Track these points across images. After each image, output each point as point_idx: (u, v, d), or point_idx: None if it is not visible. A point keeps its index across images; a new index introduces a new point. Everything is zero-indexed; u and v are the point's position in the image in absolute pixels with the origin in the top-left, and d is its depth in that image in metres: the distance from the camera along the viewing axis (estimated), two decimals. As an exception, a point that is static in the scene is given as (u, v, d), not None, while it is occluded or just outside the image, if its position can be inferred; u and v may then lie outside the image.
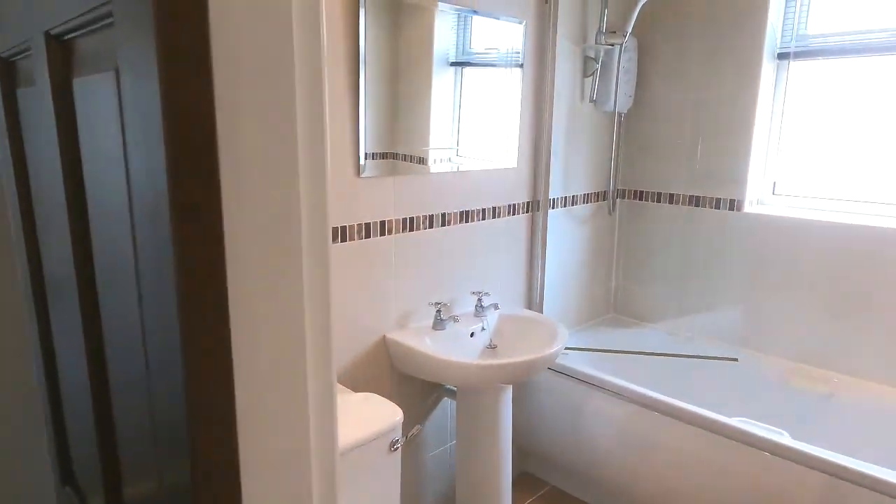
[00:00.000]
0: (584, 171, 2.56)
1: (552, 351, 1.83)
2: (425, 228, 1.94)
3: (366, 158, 1.71)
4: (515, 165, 2.21)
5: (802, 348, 2.33)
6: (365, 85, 1.66)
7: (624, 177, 2.77)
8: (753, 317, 2.45)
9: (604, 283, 2.85)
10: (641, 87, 2.62)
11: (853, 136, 2.28)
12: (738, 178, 2.42)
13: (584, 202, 2.60)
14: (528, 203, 2.30)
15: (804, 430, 1.96)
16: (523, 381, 2.33)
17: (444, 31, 1.92)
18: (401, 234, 1.87)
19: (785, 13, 2.34)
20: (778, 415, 2.23)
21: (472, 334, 2.00)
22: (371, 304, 1.83)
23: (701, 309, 2.60)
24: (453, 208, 2.01)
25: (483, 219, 2.13)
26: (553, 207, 2.43)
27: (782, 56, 2.37)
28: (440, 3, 1.87)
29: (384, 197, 1.79)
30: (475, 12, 1.93)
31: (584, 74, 2.44)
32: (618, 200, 2.79)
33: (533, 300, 2.41)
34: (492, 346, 2.04)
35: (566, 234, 2.55)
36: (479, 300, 2.06)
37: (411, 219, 1.89)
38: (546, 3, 2.16)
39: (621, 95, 2.50)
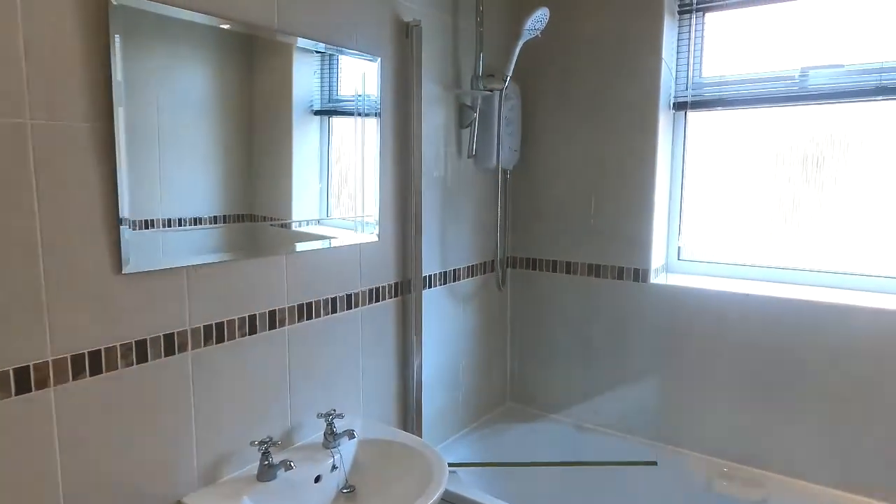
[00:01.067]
0: (467, 239, 2.13)
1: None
2: (243, 336, 1.37)
3: (127, 250, 1.14)
4: (377, 239, 1.71)
5: (728, 443, 1.97)
6: (124, 140, 1.10)
7: (514, 243, 2.36)
8: (671, 404, 2.08)
9: (498, 369, 2.40)
10: (528, 140, 2.26)
11: (762, 192, 2.03)
12: (640, 242, 2.08)
13: (468, 276, 2.15)
14: (395, 285, 1.81)
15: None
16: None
17: (305, 74, 1.49)
18: (203, 349, 1.29)
19: (678, 58, 2.08)
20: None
21: (317, 478, 1.44)
22: (159, 457, 1.23)
23: (610, 394, 2.21)
24: (286, 301, 1.47)
25: (333, 311, 1.60)
26: (429, 286, 1.96)
27: (679, 106, 2.10)
28: (299, 40, 1.42)
29: (171, 297, 1.22)
30: (334, 49, 1.46)
31: (461, 125, 2.03)
32: (508, 271, 2.37)
33: (408, 409, 1.88)
34: (348, 490, 1.49)
35: (448, 317, 2.08)
36: (330, 425, 1.51)
37: (219, 325, 1.32)
38: (406, 37, 1.73)
39: (505, 150, 2.12)
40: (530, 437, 2.23)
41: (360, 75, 1.61)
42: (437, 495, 1.32)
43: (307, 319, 1.53)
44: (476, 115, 2.01)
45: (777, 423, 1.88)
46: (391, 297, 1.80)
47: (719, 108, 2.04)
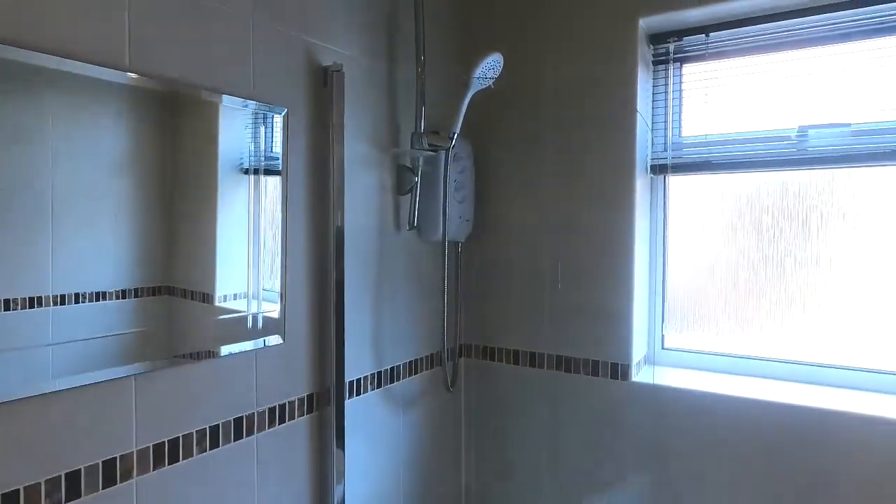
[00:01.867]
0: (408, 328, 1.73)
1: None
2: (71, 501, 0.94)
3: None
4: (280, 340, 1.31)
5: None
6: None
7: (469, 329, 1.98)
8: (661, 539, 1.67)
9: (451, 485, 1.96)
10: (483, 207, 1.91)
11: (754, 266, 1.70)
12: (618, 330, 1.72)
13: (410, 374, 1.75)
14: (309, 398, 1.39)
15: None
16: None
17: (234, 129, 1.18)
18: (-21, 536, 0.85)
19: (654, 114, 1.79)
20: None
21: None
22: None
23: (586, 516, 1.79)
24: (135, 443, 1.05)
25: (213, 446, 1.17)
26: (357, 393, 1.55)
27: (658, 169, 1.79)
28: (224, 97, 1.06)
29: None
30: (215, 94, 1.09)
31: (400, 191, 1.67)
32: (463, 361, 1.98)
33: (327, 559, 1.43)
34: None
35: (385, 429, 1.66)
36: None
37: (14, 494, 0.88)
38: (325, 85, 1.39)
39: (454, 219, 1.76)
40: (490, 574, 1.79)
41: (255, 129, 1.25)
42: None
43: (169, 464, 1.09)
44: (417, 178, 1.65)
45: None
46: (303, 415, 1.38)
47: (705, 171, 1.74)
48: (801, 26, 1.58)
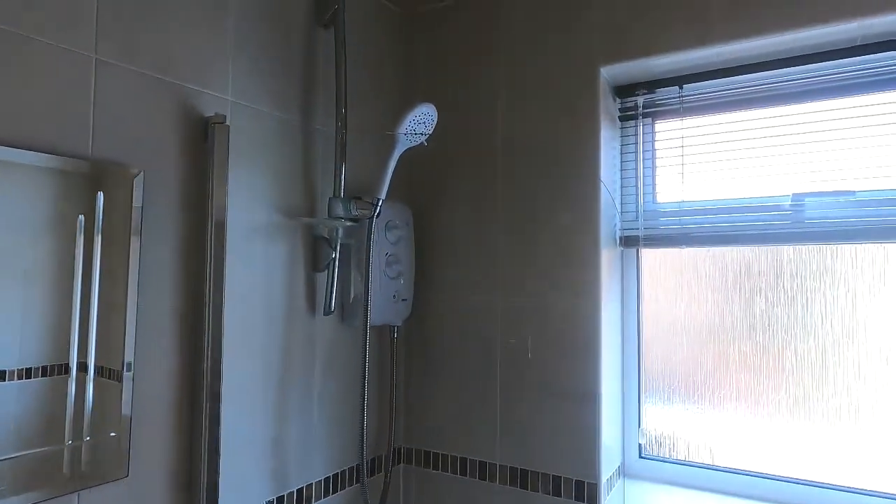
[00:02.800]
0: (324, 435, 1.40)
1: None
2: None
3: None
4: (129, 474, 0.97)
5: None
6: None
7: (407, 430, 1.65)
8: None
9: None
10: (425, 285, 1.62)
11: (744, 368, 1.40)
12: (584, 438, 1.40)
13: (326, 494, 1.40)
14: (166, 547, 1.05)
15: None
16: None
17: (78, 202, 0.86)
18: None
19: (623, 178, 1.53)
20: None
21: None
22: None
23: None
24: None
25: None
26: (247, 529, 1.20)
27: (629, 241, 1.51)
28: None
29: None
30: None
31: (315, 267, 1.37)
32: (400, 469, 1.63)
33: None
34: None
35: (288, 569, 1.30)
36: None
37: None
38: (205, 140, 1.11)
39: (386, 301, 1.46)
40: None
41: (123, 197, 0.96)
42: None
43: None
44: (336, 252, 1.36)
45: None
46: (155, 572, 1.03)
47: (683, 245, 1.46)
48: (793, 77, 1.34)
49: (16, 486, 0.84)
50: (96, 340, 0.93)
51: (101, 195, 0.94)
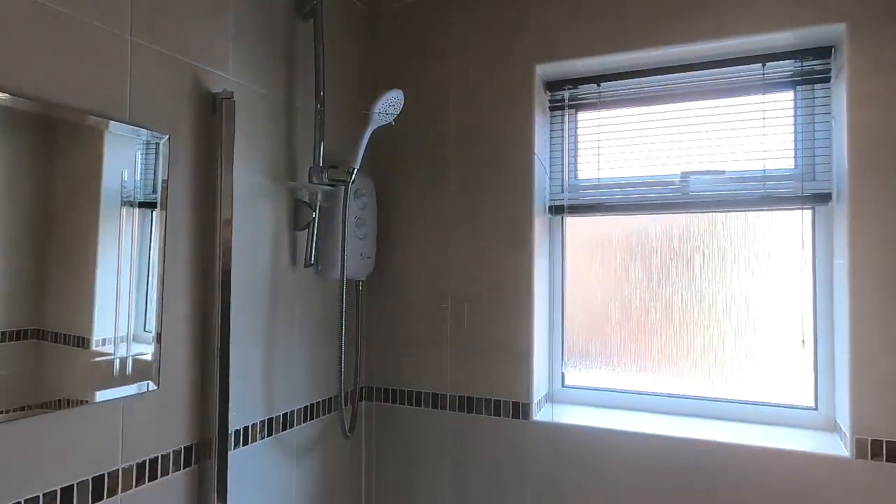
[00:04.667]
0: (303, 371, 1.64)
1: None
2: None
3: None
4: (155, 386, 1.19)
5: None
6: None
7: (369, 371, 1.91)
8: (562, 581, 1.65)
9: (349, 536, 1.85)
10: (386, 245, 1.88)
11: (644, 313, 1.77)
12: (519, 369, 1.72)
13: (304, 419, 1.65)
14: (188, 449, 1.27)
15: None
16: None
17: (122, 160, 1.09)
18: None
19: (552, 158, 1.85)
20: None
21: None
22: None
23: (489, 564, 1.74)
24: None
25: (65, 511, 1.03)
26: (246, 442, 1.43)
27: (556, 210, 1.84)
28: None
29: None
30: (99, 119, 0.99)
31: (297, 226, 1.60)
32: (363, 405, 1.89)
33: None
34: None
35: (275, 479, 1.54)
36: None
37: None
38: (214, 113, 1.32)
39: (355, 257, 1.71)
40: None
41: (134, 156, 1.15)
42: None
43: (7, 535, 0.94)
44: (315, 214, 1.60)
45: None
46: (179, 469, 1.25)
47: (598, 213, 1.80)
48: (684, 80, 1.71)
49: (98, 383, 1.04)
50: (136, 290, 1.13)
51: (138, 154, 1.14)
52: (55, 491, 1.01)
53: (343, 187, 1.61)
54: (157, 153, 1.18)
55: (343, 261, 1.59)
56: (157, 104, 1.20)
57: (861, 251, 1.39)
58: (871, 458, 1.37)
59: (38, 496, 0.99)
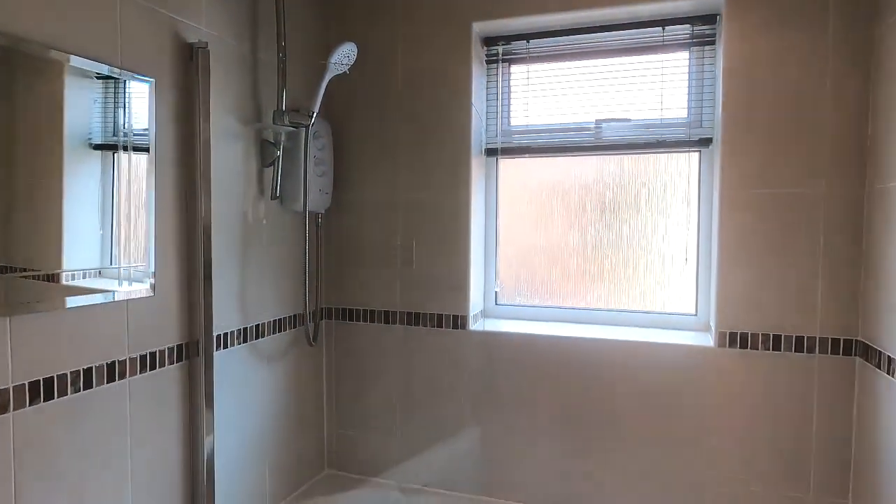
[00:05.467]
0: (273, 289, 1.90)
1: None
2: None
3: None
4: (151, 293, 1.42)
5: (548, 491, 1.94)
6: None
7: (329, 293, 2.18)
8: (492, 454, 2.01)
9: (314, 434, 2.16)
10: (342, 182, 2.12)
11: (564, 240, 2.10)
12: (458, 288, 2.03)
13: (274, 331, 1.91)
14: (179, 347, 1.52)
15: None
16: None
17: (82, 101, 1.24)
18: None
19: (488, 106, 2.11)
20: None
21: None
22: None
23: (434, 450, 2.08)
24: (10, 379, 1.13)
25: (86, 387, 1.27)
26: (226, 346, 1.69)
27: (490, 152, 2.12)
28: (72, 58, 1.19)
29: None
30: (117, 71, 1.18)
31: (263, 163, 1.83)
32: (323, 323, 2.17)
33: (198, 492, 1.57)
34: None
35: (251, 380, 1.81)
36: (77, 536, 1.16)
37: None
38: (191, 59, 1.51)
39: (315, 192, 1.95)
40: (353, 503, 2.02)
41: (138, 101, 1.35)
42: None
43: (45, 401, 1.18)
44: (280, 153, 1.82)
45: (586, 464, 1.89)
46: (172, 363, 1.50)
47: (527, 155, 2.10)
48: (598, 40, 1.99)
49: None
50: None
51: (130, 95, 1.34)
52: (77, 371, 1.25)
53: (303, 129, 1.83)
54: (127, 98, 1.38)
55: (306, 195, 1.84)
56: (143, 52, 1.39)
57: (729, 185, 1.74)
58: (728, 346, 1.75)
59: (66, 374, 1.23)
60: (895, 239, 1.42)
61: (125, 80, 1.33)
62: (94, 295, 1.28)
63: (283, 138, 1.82)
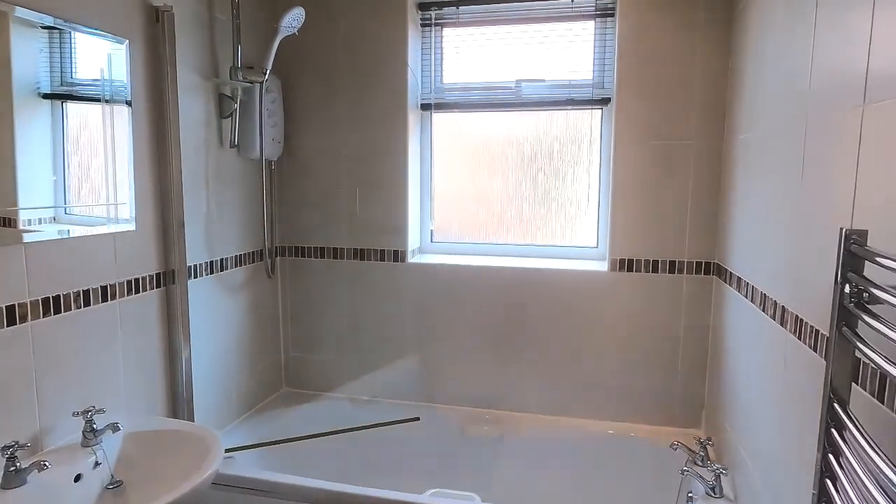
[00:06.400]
0: (235, 229, 2.15)
1: (202, 478, 1.35)
2: (-25, 335, 1.25)
3: None
4: (133, 227, 1.66)
5: (477, 394, 2.34)
6: None
7: (283, 233, 2.44)
8: (430, 368, 2.38)
9: (272, 356, 2.46)
10: (291, 133, 2.36)
11: (489, 186, 2.43)
12: (398, 228, 2.34)
13: (236, 265, 2.18)
14: (158, 275, 1.77)
15: (483, 478, 1.90)
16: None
17: (29, 52, 1.37)
18: (-78, 352, 1.15)
19: (423, 65, 2.38)
20: (462, 467, 2.17)
21: (77, 477, 1.37)
22: None
23: (379, 368, 2.43)
24: (28, 295, 1.37)
25: (86, 304, 1.52)
26: (196, 276, 1.95)
27: (425, 107, 2.40)
28: (17, 9, 1.30)
29: None
30: (68, 25, 1.36)
31: (222, 115, 2.04)
32: (278, 260, 2.44)
33: (178, 402, 1.85)
34: (114, 485, 1.44)
35: (218, 307, 2.08)
36: (90, 422, 1.44)
37: (-57, 324, 1.19)
38: (157, 21, 1.70)
39: (268, 141, 2.19)
40: (307, 415, 2.34)
41: (106, 58, 1.55)
42: (213, 467, 1.37)
43: (55, 314, 1.43)
44: (237, 105, 2.04)
45: (508, 372, 2.30)
46: (153, 288, 1.75)
47: (456, 110, 2.39)
48: (520, 9, 2.27)
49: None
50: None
51: (110, 57, 1.54)
52: (79, 291, 1.50)
53: (258, 85, 2.05)
54: (123, 55, 1.58)
55: (262, 143, 2.07)
56: (115, 14, 1.58)
57: (621, 138, 2.11)
58: (619, 270, 2.16)
59: (69, 293, 1.47)
60: (738, 183, 1.83)
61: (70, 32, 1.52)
62: (81, 227, 1.51)
63: (239, 93, 2.04)
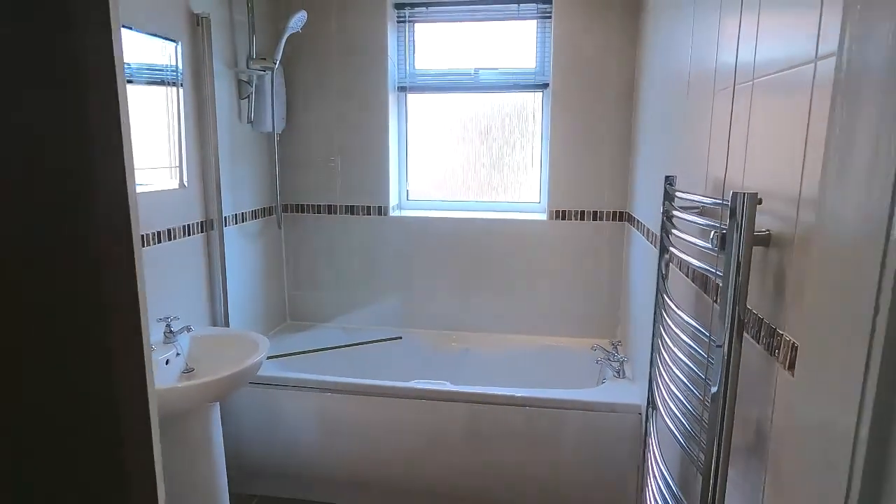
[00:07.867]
0: (250, 188, 2.68)
1: (256, 360, 1.92)
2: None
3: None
4: (187, 186, 2.18)
5: (446, 319, 2.96)
6: None
7: (285, 192, 2.98)
8: (409, 300, 2.98)
9: (277, 294, 3.01)
10: (292, 110, 2.87)
11: (454, 154, 3.01)
12: (381, 188, 2.90)
13: (253, 218, 2.71)
14: (202, 223, 2.30)
15: (457, 378, 2.53)
16: (229, 397, 2.32)
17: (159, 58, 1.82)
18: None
19: (399, 54, 2.92)
20: (438, 372, 2.79)
21: (166, 362, 1.92)
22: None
23: (366, 303, 3.02)
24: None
25: (159, 241, 2.05)
26: (225, 225, 2.48)
27: (401, 89, 2.95)
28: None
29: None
30: (129, 27, 1.86)
31: (240, 97, 2.55)
32: (283, 214, 2.98)
33: (217, 318, 2.40)
34: (188, 370, 2.00)
35: (240, 251, 2.62)
36: (168, 325, 1.98)
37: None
38: (198, 25, 2.20)
39: (276, 118, 2.70)
40: (308, 339, 2.92)
41: (160, 53, 2.05)
42: (263, 354, 1.94)
43: (144, 247, 1.96)
44: (252, 89, 2.55)
45: (469, 301, 2.92)
46: (199, 233, 2.28)
47: (426, 92, 2.95)
48: (478, 10, 2.83)
49: (162, 184, 2.02)
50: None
51: (170, 55, 2.04)
52: (162, 231, 2.02)
53: (269, 72, 2.56)
54: (174, 53, 2.08)
55: (273, 119, 2.60)
56: (166, 20, 2.07)
57: (557, 118, 2.71)
58: (555, 219, 2.79)
59: (148, 234, 2.00)
60: (640, 149, 2.46)
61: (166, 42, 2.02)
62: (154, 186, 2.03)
63: (254, 79, 2.54)
